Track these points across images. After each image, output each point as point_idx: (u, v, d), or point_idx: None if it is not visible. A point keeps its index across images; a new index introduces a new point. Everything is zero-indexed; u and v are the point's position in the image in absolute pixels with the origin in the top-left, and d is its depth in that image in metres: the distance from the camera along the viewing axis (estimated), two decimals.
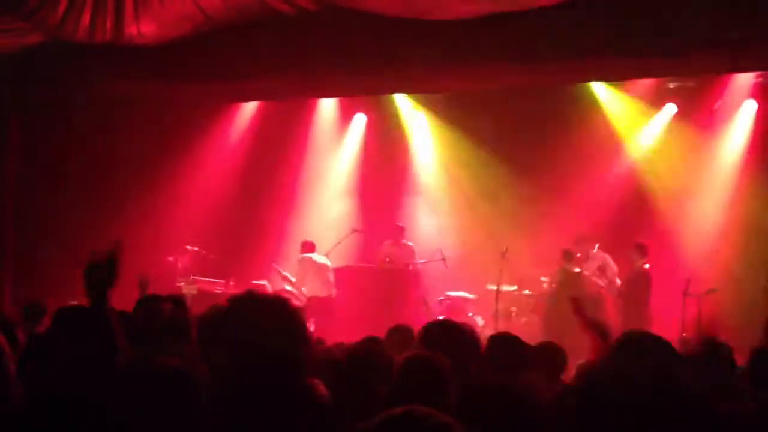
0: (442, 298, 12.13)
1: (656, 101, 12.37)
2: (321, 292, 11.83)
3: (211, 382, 2.25)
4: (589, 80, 12.14)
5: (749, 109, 11.94)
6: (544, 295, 11.62)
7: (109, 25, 10.16)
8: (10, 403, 3.06)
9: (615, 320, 10.72)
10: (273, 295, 2.36)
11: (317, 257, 12.02)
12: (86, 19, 10.06)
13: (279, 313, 2.19)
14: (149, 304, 4.78)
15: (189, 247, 12.23)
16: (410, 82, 11.78)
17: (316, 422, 2.78)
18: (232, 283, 11.96)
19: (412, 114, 13.62)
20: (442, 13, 9.53)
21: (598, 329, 4.36)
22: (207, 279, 12.02)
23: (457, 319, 11.25)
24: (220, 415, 2.11)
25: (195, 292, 11.40)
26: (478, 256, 12.50)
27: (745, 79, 11.79)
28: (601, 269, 11.24)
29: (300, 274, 12.01)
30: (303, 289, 11.88)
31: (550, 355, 5.55)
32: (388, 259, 12.22)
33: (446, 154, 13.40)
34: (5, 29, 10.25)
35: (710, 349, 4.42)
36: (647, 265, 10.93)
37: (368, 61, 10.27)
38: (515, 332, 5.31)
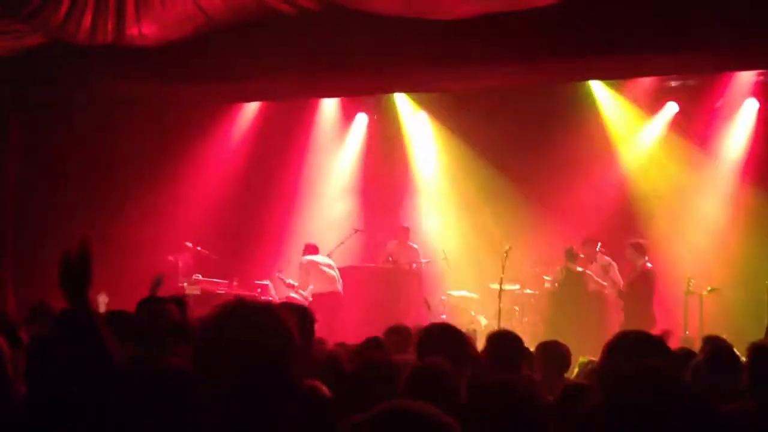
0: (444, 297, 12.15)
1: (657, 100, 12.37)
2: (325, 288, 11.80)
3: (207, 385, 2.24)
4: (590, 78, 12.14)
5: (750, 107, 11.94)
6: (547, 294, 11.62)
7: (110, 26, 10.16)
8: (11, 403, 3.07)
9: (618, 319, 10.73)
10: (260, 301, 2.37)
11: (319, 258, 12.02)
12: (88, 20, 10.05)
13: (267, 316, 2.19)
14: (152, 304, 4.78)
15: (188, 244, 12.25)
16: (410, 81, 11.78)
17: (317, 422, 2.78)
18: (235, 283, 11.98)
19: (413, 114, 13.63)
20: (442, 12, 9.53)
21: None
22: (210, 279, 12.02)
23: (460, 318, 11.33)
24: (220, 415, 2.10)
25: (198, 292, 11.41)
26: (480, 256, 12.50)
27: (746, 78, 11.80)
28: (605, 269, 11.22)
29: (302, 277, 11.97)
30: (306, 290, 11.87)
31: (552, 353, 5.57)
32: (390, 259, 12.22)
33: (448, 154, 13.40)
34: (3, 31, 10.25)
35: (712, 348, 4.42)
36: (649, 264, 10.90)
37: (368, 61, 10.27)
38: (518, 331, 5.34)
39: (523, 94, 12.16)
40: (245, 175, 13.33)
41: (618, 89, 12.43)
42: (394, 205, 13.49)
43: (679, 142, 12.16)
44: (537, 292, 11.85)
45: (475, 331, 9.61)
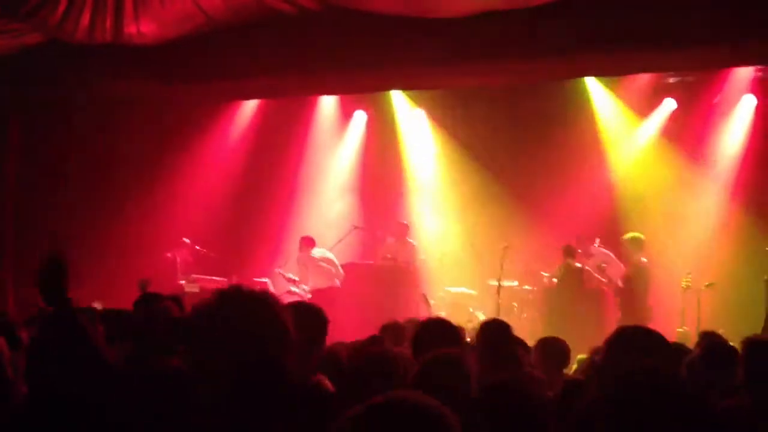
0: (442, 294, 12.15)
1: (655, 96, 12.37)
2: (322, 283, 11.83)
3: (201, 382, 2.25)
4: (589, 75, 12.13)
5: (748, 103, 11.94)
6: (546, 290, 11.63)
7: (108, 24, 10.16)
8: (12, 403, 3.08)
9: (615, 316, 10.73)
10: (256, 290, 2.36)
11: (316, 251, 12.04)
12: (86, 19, 10.05)
13: (264, 306, 2.20)
14: (149, 303, 4.80)
15: (186, 240, 12.25)
16: (409, 78, 11.77)
17: (319, 417, 2.79)
18: (233, 280, 11.97)
19: (410, 112, 13.61)
20: (442, 10, 9.54)
21: None
22: (208, 277, 12.03)
23: (459, 314, 11.32)
24: (219, 414, 2.11)
25: (197, 290, 11.42)
26: (478, 252, 12.50)
27: (744, 74, 11.79)
28: (600, 267, 11.21)
29: (301, 272, 12.03)
30: (306, 286, 11.90)
31: (552, 349, 5.60)
32: (389, 256, 12.23)
33: (446, 151, 13.40)
34: (2, 30, 10.25)
35: (708, 344, 4.44)
36: (644, 259, 10.90)
37: (367, 58, 10.27)
38: (517, 327, 5.36)
39: (520, 92, 12.15)
40: (244, 173, 13.33)
41: (615, 86, 12.42)
42: (393, 202, 13.49)
43: (676, 138, 12.16)
44: (535, 288, 11.86)
45: (470, 322, 9.66)
